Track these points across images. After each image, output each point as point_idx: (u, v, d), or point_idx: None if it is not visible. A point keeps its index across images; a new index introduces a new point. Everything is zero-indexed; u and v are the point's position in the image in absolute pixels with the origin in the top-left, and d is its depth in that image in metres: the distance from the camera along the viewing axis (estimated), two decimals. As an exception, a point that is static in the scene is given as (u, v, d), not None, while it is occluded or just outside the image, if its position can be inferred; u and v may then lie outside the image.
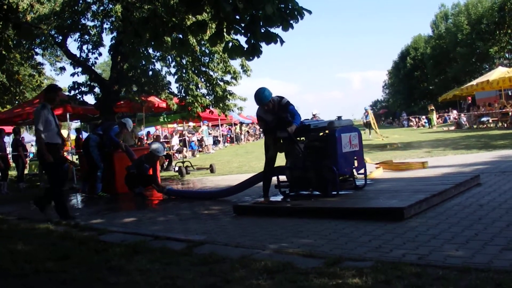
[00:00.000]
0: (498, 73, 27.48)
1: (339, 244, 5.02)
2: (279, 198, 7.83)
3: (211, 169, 15.67)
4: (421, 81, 67.83)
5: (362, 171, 7.81)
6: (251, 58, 7.15)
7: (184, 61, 14.60)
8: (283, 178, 8.13)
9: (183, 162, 16.71)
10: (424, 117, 42.99)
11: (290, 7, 6.55)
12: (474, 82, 30.38)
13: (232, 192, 9.20)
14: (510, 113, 24.38)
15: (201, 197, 9.75)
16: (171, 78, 18.67)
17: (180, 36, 8.08)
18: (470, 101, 34.86)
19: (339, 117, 7.81)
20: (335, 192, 7.27)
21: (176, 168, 16.42)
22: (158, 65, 14.91)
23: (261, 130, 7.56)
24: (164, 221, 7.72)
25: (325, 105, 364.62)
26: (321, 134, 7.72)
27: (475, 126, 28.74)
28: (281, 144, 7.66)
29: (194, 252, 5.28)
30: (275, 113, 7.62)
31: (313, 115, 23.60)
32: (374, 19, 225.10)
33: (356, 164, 7.60)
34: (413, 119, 46.52)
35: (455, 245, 4.56)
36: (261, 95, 7.48)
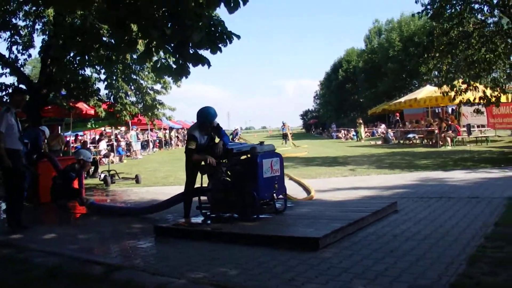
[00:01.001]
0: (426, 91, 28.26)
1: (254, 275, 5.13)
2: (200, 219, 7.91)
3: (137, 179, 15.56)
4: (352, 94, 69.44)
5: (282, 196, 7.95)
6: (179, 78, 7.22)
7: (114, 69, 14.44)
8: (204, 198, 8.20)
9: (109, 171, 16.50)
10: (353, 129, 43.65)
11: (219, 31, 6.76)
12: (402, 100, 31.22)
13: (152, 211, 9.21)
14: (436, 131, 25.46)
15: (122, 213, 9.71)
16: (100, 85, 18.49)
17: (108, 53, 8.09)
18: (398, 117, 35.98)
19: (261, 143, 7.92)
20: (255, 216, 7.40)
21: (102, 176, 16.21)
22: (88, 71, 14.69)
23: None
24: (84, 239, 7.67)
25: (259, 112, 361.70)
26: (243, 158, 7.83)
27: (401, 142, 29.67)
28: (205, 165, 7.75)
29: (111, 278, 5.29)
30: (208, 134, 7.75)
31: (235, 130, 24.50)
32: (312, 29, 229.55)
33: (276, 189, 7.73)
34: (342, 131, 47.45)
35: (364, 280, 4.72)
36: (209, 115, 7.63)
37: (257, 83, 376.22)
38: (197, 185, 8.11)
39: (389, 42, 55.44)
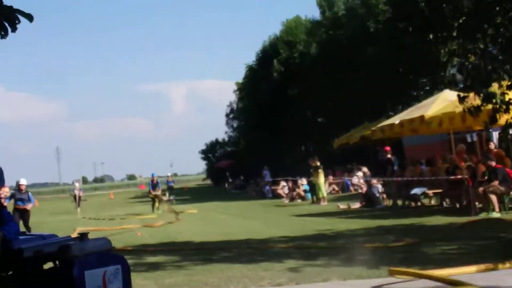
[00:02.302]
0: (443, 101, 15.89)
1: None
2: None
3: None
4: (300, 107, 38.86)
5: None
6: None
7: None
8: None
9: None
10: (304, 179, 25.71)
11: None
12: (397, 119, 18.23)
13: None
14: (466, 182, 14.77)
15: None
16: None
17: None
18: (388, 154, 21.15)
19: (83, 235, 4.81)
20: None
21: None
22: None
23: None
24: None
25: (120, 146, 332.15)
26: (46, 267, 4.86)
27: (400, 203, 17.69)
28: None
29: None
30: None
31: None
32: None
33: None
34: (282, 183, 27.91)
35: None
36: None
37: (112, 89, 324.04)
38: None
39: (367, 6, 32.96)
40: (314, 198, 22.90)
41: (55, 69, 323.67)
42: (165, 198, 27.09)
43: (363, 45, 30.85)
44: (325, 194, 22.50)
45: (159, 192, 24.99)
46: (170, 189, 31.52)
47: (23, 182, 17.35)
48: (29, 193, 17.54)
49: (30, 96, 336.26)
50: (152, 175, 26.17)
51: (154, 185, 25.01)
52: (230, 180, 49.22)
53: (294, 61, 40.01)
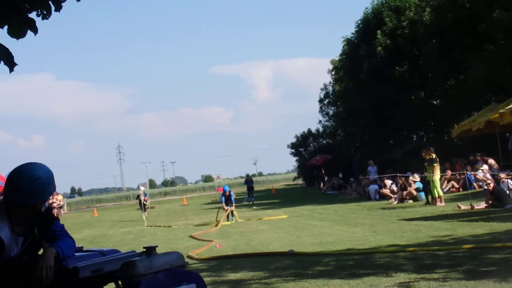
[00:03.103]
0: None
1: None
2: None
3: None
4: (408, 89, 38.02)
5: None
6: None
7: None
8: None
9: None
10: (416, 175, 25.10)
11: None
12: None
13: None
14: None
15: None
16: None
17: None
18: None
19: (150, 249, 4.75)
20: None
21: None
22: None
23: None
24: None
25: (194, 142, 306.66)
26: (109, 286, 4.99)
27: None
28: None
29: None
30: (27, 233, 4.77)
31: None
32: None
33: None
34: (387, 182, 27.49)
35: None
36: (31, 191, 4.59)
37: (181, 74, 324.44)
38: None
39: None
40: (429, 197, 22.00)
41: (112, 52, 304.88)
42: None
43: (490, 9, 28.25)
44: (441, 193, 21.54)
45: (233, 208, 24.51)
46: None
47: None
48: None
49: (85, 85, 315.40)
50: (225, 189, 25.14)
51: (227, 199, 24.58)
52: (326, 178, 47.75)
53: (402, 32, 37.12)
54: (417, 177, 24.58)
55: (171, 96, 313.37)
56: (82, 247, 5.41)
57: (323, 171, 49.26)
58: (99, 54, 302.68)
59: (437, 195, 21.12)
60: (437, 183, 21.40)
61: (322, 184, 48.52)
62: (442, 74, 31.90)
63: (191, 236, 18.39)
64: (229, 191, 25.01)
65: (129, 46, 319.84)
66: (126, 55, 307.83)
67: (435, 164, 21.37)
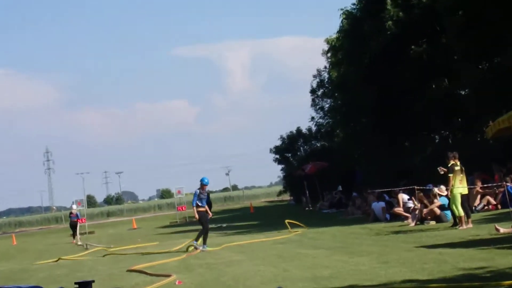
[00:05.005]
0: None
1: None
2: None
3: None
4: (426, 77, 37.57)
5: None
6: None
7: None
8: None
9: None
10: (443, 188, 25.13)
11: None
12: None
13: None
14: None
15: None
16: None
17: None
18: None
19: (83, 286, 5.63)
20: None
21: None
22: None
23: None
24: None
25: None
26: None
27: None
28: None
29: None
30: None
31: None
32: None
33: None
34: (402, 198, 28.25)
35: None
36: None
37: (132, 56, 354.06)
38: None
39: None
40: (456, 222, 22.16)
41: (41, 28, 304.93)
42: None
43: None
44: (461, 213, 21.74)
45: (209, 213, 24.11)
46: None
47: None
48: None
49: (3, 72, 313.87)
50: (204, 182, 23.70)
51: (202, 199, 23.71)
52: (323, 191, 48.89)
53: (419, 1, 37.35)
54: (444, 190, 24.70)
55: (119, 86, 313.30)
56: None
57: (317, 184, 49.56)
58: (23, 30, 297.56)
59: (461, 214, 21.43)
60: (457, 200, 21.64)
61: (315, 201, 49.25)
62: (472, 55, 32.21)
63: (136, 271, 18.28)
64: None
65: (63, 20, 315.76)
66: (59, 33, 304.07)
67: (450, 175, 21.69)
